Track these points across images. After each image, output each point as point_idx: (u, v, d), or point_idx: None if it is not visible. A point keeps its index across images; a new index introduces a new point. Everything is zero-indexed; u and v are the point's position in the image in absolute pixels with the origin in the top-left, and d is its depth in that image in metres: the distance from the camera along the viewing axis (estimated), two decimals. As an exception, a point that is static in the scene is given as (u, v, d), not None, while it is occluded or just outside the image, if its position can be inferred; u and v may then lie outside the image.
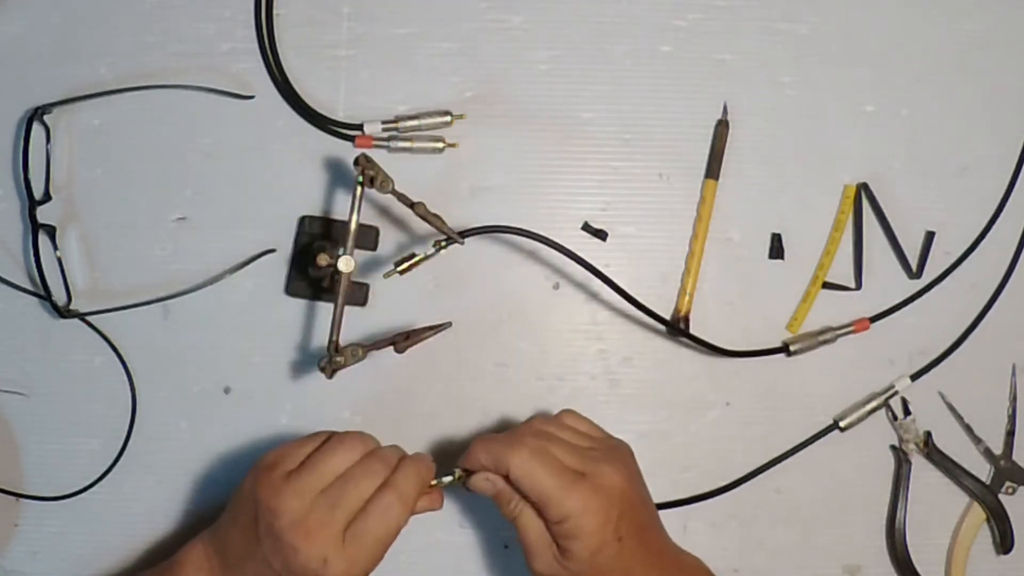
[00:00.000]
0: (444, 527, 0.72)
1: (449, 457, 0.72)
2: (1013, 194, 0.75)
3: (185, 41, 0.72)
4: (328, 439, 0.61)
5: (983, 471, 0.74)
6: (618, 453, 0.63)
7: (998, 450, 0.74)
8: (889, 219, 0.74)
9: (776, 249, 0.74)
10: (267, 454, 0.61)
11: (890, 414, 0.73)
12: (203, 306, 0.72)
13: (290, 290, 0.72)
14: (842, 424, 0.73)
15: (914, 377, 0.73)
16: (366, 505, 0.58)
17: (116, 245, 0.72)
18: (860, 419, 0.73)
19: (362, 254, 0.72)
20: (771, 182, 0.74)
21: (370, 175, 0.61)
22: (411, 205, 0.62)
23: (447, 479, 0.62)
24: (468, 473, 0.62)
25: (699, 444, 0.73)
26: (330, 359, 0.62)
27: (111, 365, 0.71)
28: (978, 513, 0.73)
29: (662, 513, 0.65)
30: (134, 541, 0.71)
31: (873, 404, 0.73)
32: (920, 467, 0.74)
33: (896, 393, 0.73)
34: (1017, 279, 0.75)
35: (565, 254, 0.68)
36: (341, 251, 0.62)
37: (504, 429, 0.72)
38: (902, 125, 0.75)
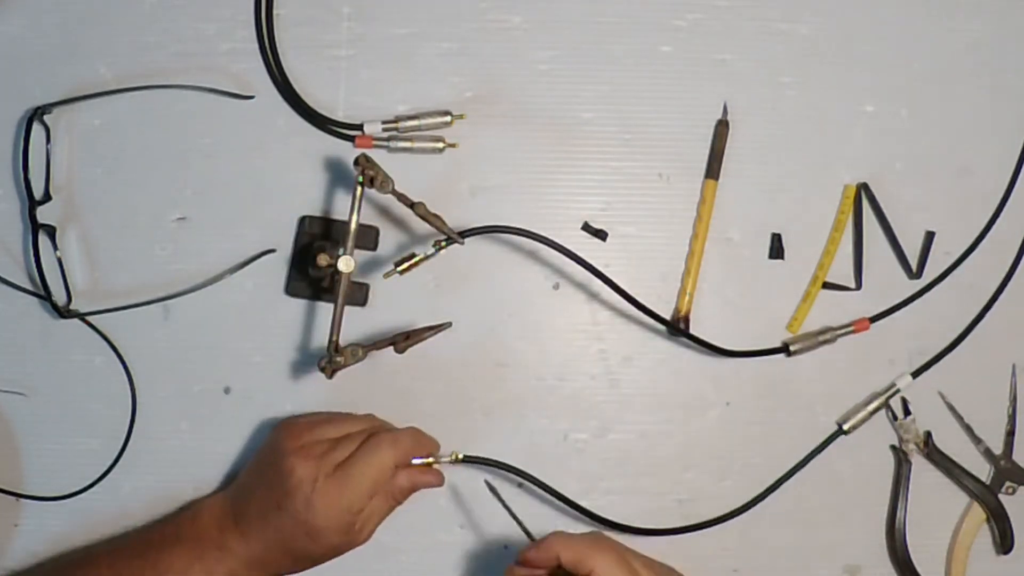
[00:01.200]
0: (444, 527, 0.72)
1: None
2: (1013, 194, 0.75)
3: (185, 41, 0.72)
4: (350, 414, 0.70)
5: (983, 471, 0.74)
6: None
7: (998, 450, 0.74)
8: (889, 219, 0.74)
9: (776, 249, 0.74)
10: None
11: (890, 414, 0.73)
12: (203, 306, 0.72)
13: (290, 290, 0.72)
14: (845, 427, 0.73)
15: (915, 374, 0.73)
16: (360, 444, 0.65)
17: (116, 245, 0.72)
18: (863, 420, 0.73)
19: (362, 254, 0.72)
20: (771, 182, 0.74)
21: (370, 175, 0.61)
22: (411, 205, 0.62)
23: (446, 458, 0.67)
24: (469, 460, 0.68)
25: (699, 444, 0.73)
26: (330, 359, 0.62)
27: (111, 365, 0.71)
28: (978, 513, 0.73)
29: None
30: (134, 541, 0.71)
31: (875, 404, 0.73)
32: (920, 467, 0.74)
33: (898, 391, 0.73)
34: (1017, 279, 0.75)
35: (565, 254, 0.68)
36: (341, 251, 0.62)
37: (504, 429, 0.72)
38: (902, 125, 0.75)
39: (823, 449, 0.73)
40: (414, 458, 0.66)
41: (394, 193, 0.62)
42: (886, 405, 0.73)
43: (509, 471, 0.69)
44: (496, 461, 0.69)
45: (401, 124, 0.72)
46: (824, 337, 0.73)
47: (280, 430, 0.68)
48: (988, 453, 0.74)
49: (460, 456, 0.68)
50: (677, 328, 0.72)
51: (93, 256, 0.72)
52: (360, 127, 0.72)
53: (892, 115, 0.75)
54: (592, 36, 0.74)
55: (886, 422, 0.74)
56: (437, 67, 0.73)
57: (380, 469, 0.64)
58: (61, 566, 0.69)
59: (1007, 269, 0.75)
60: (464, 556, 0.72)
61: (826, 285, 0.74)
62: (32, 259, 0.69)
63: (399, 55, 0.73)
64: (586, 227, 0.73)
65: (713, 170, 0.73)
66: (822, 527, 0.73)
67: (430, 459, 0.67)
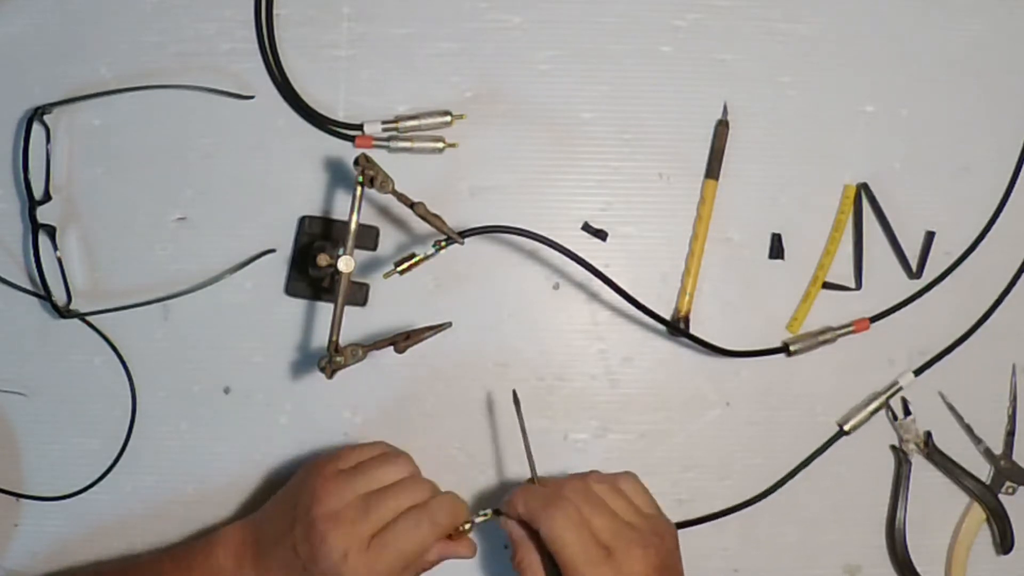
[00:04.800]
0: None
1: (450, 458, 0.72)
2: (1013, 194, 0.75)
3: (185, 41, 0.72)
4: (383, 453, 0.66)
5: (983, 471, 0.74)
6: (658, 538, 0.61)
7: (998, 450, 0.74)
8: (889, 219, 0.74)
9: (776, 249, 0.74)
10: (326, 454, 0.66)
11: (890, 414, 0.73)
12: (203, 306, 0.72)
13: (290, 290, 0.72)
14: (846, 428, 0.73)
15: (917, 372, 0.73)
16: (397, 518, 0.61)
17: (116, 245, 0.72)
18: (864, 420, 0.73)
19: (362, 254, 0.72)
20: (771, 182, 0.74)
21: (370, 175, 0.61)
22: (411, 205, 0.62)
23: (479, 518, 0.64)
24: (499, 513, 0.63)
25: (699, 444, 0.73)
26: (330, 359, 0.62)
27: (111, 365, 0.71)
28: (978, 513, 0.73)
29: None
30: (134, 541, 0.71)
31: (876, 403, 0.73)
32: (920, 467, 0.74)
33: (900, 389, 0.73)
34: (1021, 279, 0.75)
35: (565, 254, 0.68)
36: (341, 251, 0.62)
37: (504, 429, 0.72)
38: (902, 125, 0.75)
39: (825, 450, 0.73)
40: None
41: (394, 193, 0.62)
42: (886, 405, 0.73)
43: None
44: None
45: (401, 124, 0.72)
46: (824, 337, 0.73)
47: (314, 478, 0.63)
48: (988, 453, 0.74)
49: (490, 513, 0.64)
50: (677, 328, 0.72)
51: (93, 256, 0.72)
52: (360, 127, 0.72)
53: (892, 115, 0.75)
54: (592, 36, 0.74)
55: (886, 422, 0.74)
56: (437, 67, 0.73)
57: (416, 550, 0.61)
58: None
59: (1012, 268, 0.75)
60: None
61: (826, 285, 0.74)
62: (32, 259, 0.69)
63: (399, 55, 0.73)
64: (586, 227, 0.73)
65: (713, 170, 0.73)
66: (822, 527, 0.73)
67: (466, 526, 0.64)
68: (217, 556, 0.63)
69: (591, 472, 0.65)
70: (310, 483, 0.62)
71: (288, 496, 0.64)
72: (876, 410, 0.73)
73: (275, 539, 0.62)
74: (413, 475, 0.65)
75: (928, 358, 0.74)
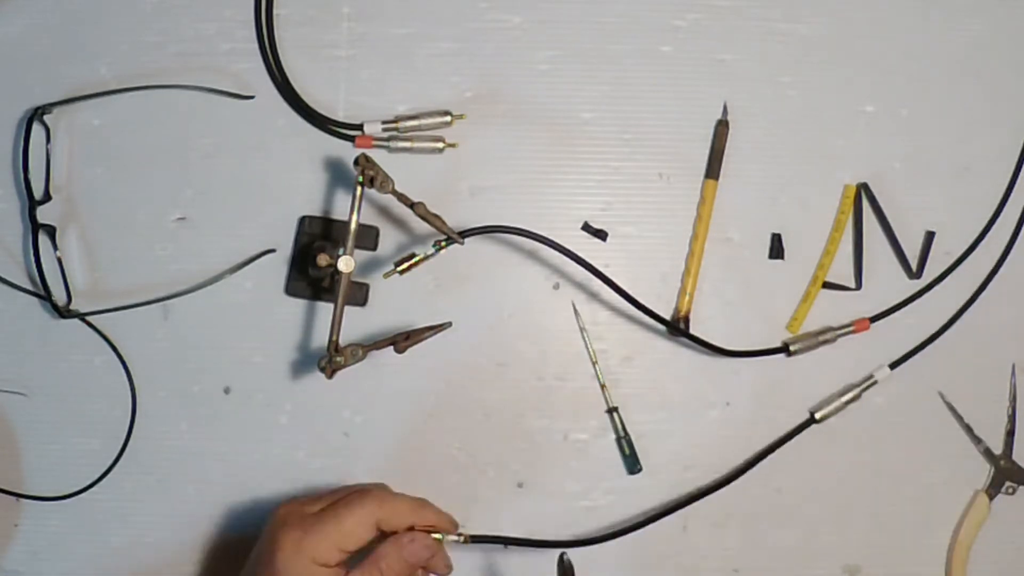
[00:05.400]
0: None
1: (450, 458, 0.72)
2: (1013, 194, 0.75)
3: (185, 41, 0.72)
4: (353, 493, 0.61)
5: (983, 471, 0.74)
6: None
7: (998, 450, 0.74)
8: (889, 219, 0.74)
9: (776, 249, 0.74)
10: (287, 502, 0.62)
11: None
12: (203, 306, 0.72)
13: (290, 290, 0.72)
14: (817, 416, 0.72)
15: (893, 366, 0.73)
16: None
17: (116, 245, 0.72)
18: (837, 410, 0.72)
19: (362, 254, 0.72)
20: (771, 182, 0.74)
21: (370, 175, 0.61)
22: (411, 205, 0.62)
23: (452, 537, 0.61)
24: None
25: (699, 444, 0.73)
26: (330, 359, 0.62)
27: (111, 365, 0.71)
28: (979, 512, 0.73)
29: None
30: (134, 541, 0.71)
31: (850, 395, 0.72)
32: (921, 466, 0.74)
33: (876, 383, 0.73)
34: (1017, 278, 0.75)
35: (565, 254, 0.68)
36: (341, 251, 0.62)
37: (504, 429, 0.72)
38: (902, 125, 0.75)
39: (792, 437, 0.72)
40: (410, 526, 0.59)
41: (394, 193, 0.62)
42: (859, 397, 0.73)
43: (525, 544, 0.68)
44: (511, 538, 0.66)
45: (401, 124, 0.72)
46: (824, 337, 0.73)
47: (275, 528, 0.60)
48: (988, 453, 0.74)
49: (468, 537, 0.61)
50: (677, 328, 0.72)
51: (93, 256, 0.72)
52: (360, 127, 0.72)
53: (892, 115, 0.75)
54: (592, 36, 0.74)
55: (886, 421, 0.74)
56: (437, 67, 0.73)
57: (356, 521, 0.58)
58: None
59: (1013, 267, 0.75)
60: (463, 556, 0.72)
61: (826, 285, 0.74)
62: (32, 259, 0.69)
63: (399, 55, 0.73)
64: (586, 227, 0.73)
65: (713, 170, 0.73)
66: (822, 527, 0.73)
67: (433, 533, 0.59)
68: None
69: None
70: (270, 531, 0.60)
71: (253, 554, 0.61)
72: (850, 401, 0.72)
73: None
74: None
75: (927, 357, 0.74)
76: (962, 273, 0.75)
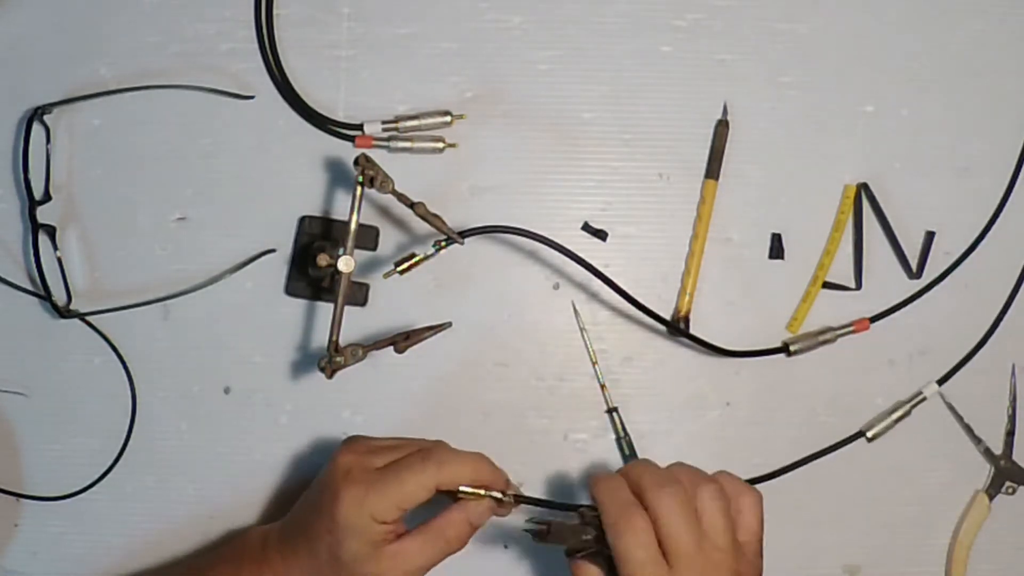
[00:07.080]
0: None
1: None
2: (1013, 194, 0.75)
3: (185, 41, 0.72)
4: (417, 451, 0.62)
5: (983, 471, 0.74)
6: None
7: (998, 450, 0.74)
8: (889, 219, 0.74)
9: (776, 249, 0.74)
10: (349, 446, 0.63)
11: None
12: (203, 306, 0.72)
13: (290, 290, 0.72)
14: (869, 435, 0.73)
15: (940, 382, 0.74)
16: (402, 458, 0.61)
17: (116, 245, 0.72)
18: (888, 428, 0.72)
19: (362, 254, 0.72)
20: (771, 182, 0.74)
21: (370, 175, 0.61)
22: (411, 205, 0.62)
23: (497, 494, 0.60)
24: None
25: (699, 444, 0.73)
26: (330, 359, 0.62)
27: (111, 365, 0.71)
28: (979, 512, 0.73)
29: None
30: (134, 541, 0.71)
31: (899, 412, 0.73)
32: (922, 466, 0.74)
33: (924, 399, 0.73)
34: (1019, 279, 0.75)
35: (565, 254, 0.68)
36: (341, 251, 0.62)
37: (504, 429, 0.72)
38: (902, 125, 0.75)
39: (838, 448, 0.73)
40: (464, 487, 0.60)
41: (394, 193, 0.62)
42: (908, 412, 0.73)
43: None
44: (554, 502, 0.63)
45: (401, 124, 0.72)
46: (824, 337, 0.73)
47: (339, 449, 0.63)
48: (988, 453, 0.74)
49: (513, 497, 0.60)
50: (677, 328, 0.72)
51: (93, 256, 0.72)
52: (360, 127, 0.72)
53: (892, 115, 0.75)
54: (592, 36, 0.74)
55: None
56: (437, 67, 0.73)
57: (417, 484, 0.59)
58: None
59: (1013, 268, 0.75)
60: (464, 556, 0.72)
61: (826, 285, 0.74)
62: (32, 259, 0.69)
63: (399, 55, 0.73)
64: (586, 227, 0.73)
65: (713, 170, 0.73)
66: (822, 527, 0.73)
67: (481, 491, 0.60)
68: (250, 538, 0.65)
69: (720, 473, 0.60)
70: (338, 450, 0.62)
71: (311, 496, 0.64)
72: (900, 418, 0.73)
73: (299, 511, 0.64)
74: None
75: (928, 358, 0.74)
76: (962, 273, 0.75)
